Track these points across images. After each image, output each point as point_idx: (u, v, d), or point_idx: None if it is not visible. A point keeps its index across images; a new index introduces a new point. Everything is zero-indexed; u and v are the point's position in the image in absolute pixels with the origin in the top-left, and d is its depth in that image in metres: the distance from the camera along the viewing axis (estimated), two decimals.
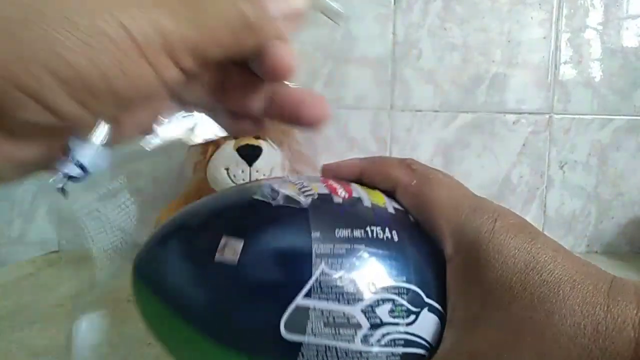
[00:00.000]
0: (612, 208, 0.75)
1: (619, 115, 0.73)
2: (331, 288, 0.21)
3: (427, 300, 0.23)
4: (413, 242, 0.24)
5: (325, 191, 0.24)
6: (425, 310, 0.23)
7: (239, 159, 0.55)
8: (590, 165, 0.74)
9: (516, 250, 0.21)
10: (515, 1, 0.71)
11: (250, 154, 0.56)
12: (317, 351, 0.21)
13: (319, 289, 0.21)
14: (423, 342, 0.23)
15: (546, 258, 0.21)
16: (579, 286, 0.20)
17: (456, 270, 0.23)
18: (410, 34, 0.71)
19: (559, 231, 0.74)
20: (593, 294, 0.20)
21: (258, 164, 0.56)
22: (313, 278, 0.21)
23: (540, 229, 0.79)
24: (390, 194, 0.27)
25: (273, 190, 0.24)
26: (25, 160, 0.17)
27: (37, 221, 0.73)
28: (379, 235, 0.23)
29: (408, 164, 0.26)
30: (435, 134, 0.73)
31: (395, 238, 0.23)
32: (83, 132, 0.17)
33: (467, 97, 0.72)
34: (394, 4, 0.71)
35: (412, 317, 0.22)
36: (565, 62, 0.72)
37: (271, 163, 0.57)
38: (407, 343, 0.22)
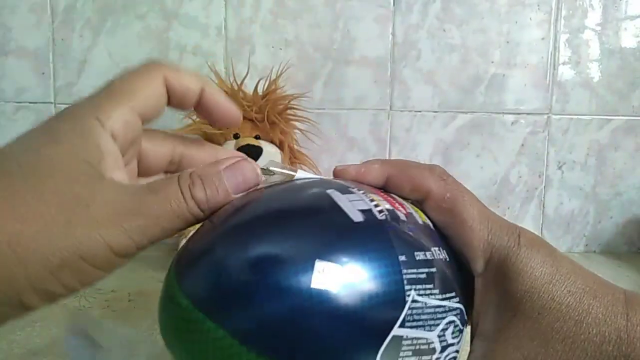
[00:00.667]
0: (611, 208, 0.75)
1: (617, 115, 0.73)
2: (420, 314, 0.21)
3: (466, 317, 0.24)
4: (454, 260, 0.24)
5: (389, 206, 0.23)
6: (466, 326, 0.24)
7: None
8: (589, 165, 0.74)
9: (542, 263, 0.23)
10: (514, 2, 0.72)
11: (250, 155, 0.56)
12: None
13: (411, 317, 0.20)
14: (458, 356, 0.23)
15: (567, 270, 0.23)
16: (600, 296, 0.22)
17: (487, 285, 0.24)
18: (409, 34, 0.72)
19: (558, 231, 0.75)
20: (613, 303, 0.22)
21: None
22: (407, 306, 0.20)
23: (539, 229, 0.79)
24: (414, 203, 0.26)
25: (349, 201, 0.22)
26: None
27: None
28: (439, 256, 0.23)
29: (439, 174, 0.26)
30: (434, 134, 0.73)
31: (447, 258, 0.24)
32: None
33: (466, 97, 0.73)
34: (393, 5, 0.71)
35: (461, 335, 0.23)
36: (563, 63, 0.73)
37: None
38: (455, 358, 0.23)
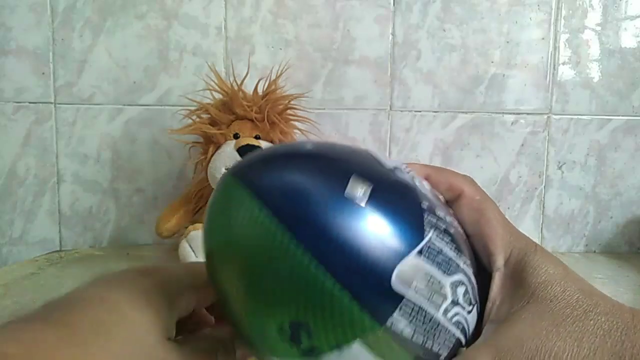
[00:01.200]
0: (611, 208, 0.75)
1: (617, 115, 0.73)
2: (436, 255, 0.23)
3: (477, 298, 0.26)
4: (470, 247, 0.27)
5: (420, 178, 0.27)
6: (476, 306, 0.25)
7: (240, 159, 0.56)
8: (589, 166, 0.74)
9: (555, 266, 0.26)
10: (514, 2, 0.72)
11: None
12: (412, 309, 0.22)
13: (427, 252, 0.22)
14: (468, 334, 0.25)
15: (577, 277, 0.26)
16: (606, 298, 0.25)
17: (505, 278, 0.26)
18: (409, 34, 0.72)
19: (558, 231, 0.75)
20: (619, 304, 0.24)
21: None
22: (425, 240, 0.23)
23: (539, 229, 0.79)
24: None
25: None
26: None
27: (38, 220, 0.73)
28: (457, 228, 0.26)
29: (470, 181, 0.29)
30: (434, 134, 0.73)
31: (464, 236, 0.27)
32: None
33: (466, 97, 0.73)
34: (394, 5, 0.71)
35: (471, 307, 0.25)
36: (563, 63, 0.73)
37: None
38: (462, 329, 0.24)
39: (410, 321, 0.22)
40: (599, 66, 0.73)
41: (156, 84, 0.72)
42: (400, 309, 0.21)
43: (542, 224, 0.74)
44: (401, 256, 0.22)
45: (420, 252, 0.22)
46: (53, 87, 0.71)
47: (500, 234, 0.27)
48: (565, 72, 0.73)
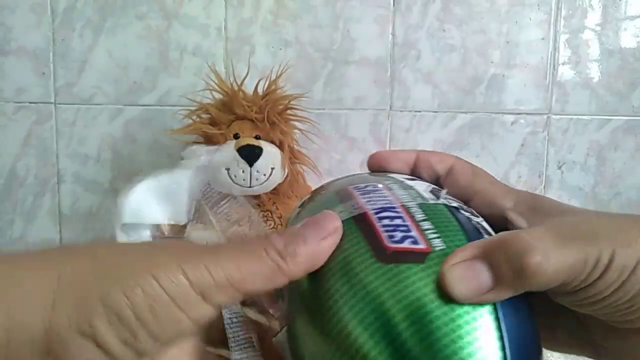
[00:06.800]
0: (610, 208, 0.75)
1: (617, 115, 0.73)
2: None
3: None
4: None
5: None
6: None
7: (240, 159, 0.56)
8: (589, 166, 0.74)
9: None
10: (514, 2, 0.72)
11: (250, 154, 0.56)
12: None
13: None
14: None
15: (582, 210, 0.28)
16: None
17: (518, 208, 0.26)
18: (409, 35, 0.72)
19: None
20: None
21: (258, 164, 0.56)
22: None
23: None
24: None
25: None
26: None
27: (38, 221, 0.73)
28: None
29: (458, 157, 0.30)
30: (434, 134, 0.73)
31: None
32: None
33: (466, 97, 0.73)
34: (393, 5, 0.71)
35: None
36: (563, 63, 0.73)
37: (271, 163, 0.58)
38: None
39: None
40: (598, 66, 0.73)
41: (156, 84, 0.72)
42: None
43: None
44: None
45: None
46: (53, 87, 0.71)
47: (500, 185, 0.27)
48: (565, 72, 0.73)
